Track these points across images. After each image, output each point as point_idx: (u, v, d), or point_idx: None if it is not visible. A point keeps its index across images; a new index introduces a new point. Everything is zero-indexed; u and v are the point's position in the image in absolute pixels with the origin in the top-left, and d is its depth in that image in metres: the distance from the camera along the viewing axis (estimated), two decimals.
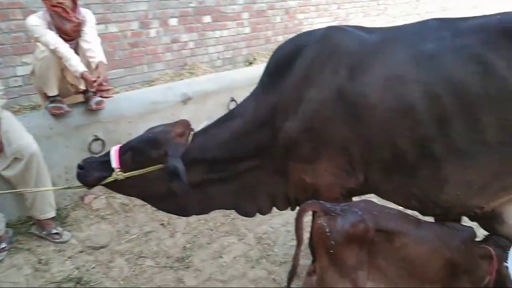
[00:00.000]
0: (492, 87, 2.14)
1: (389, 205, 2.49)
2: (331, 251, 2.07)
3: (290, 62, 2.58)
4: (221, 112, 3.27)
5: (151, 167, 2.69)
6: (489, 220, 2.45)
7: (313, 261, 2.80)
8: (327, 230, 2.09)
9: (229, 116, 2.81)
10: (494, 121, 2.13)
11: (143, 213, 4.20)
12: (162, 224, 4.05)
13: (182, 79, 6.09)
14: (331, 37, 2.53)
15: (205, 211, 3.05)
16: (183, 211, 3.03)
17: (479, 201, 2.33)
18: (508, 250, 2.27)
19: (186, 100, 5.08)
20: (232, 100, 5.44)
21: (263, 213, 3.03)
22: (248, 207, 2.97)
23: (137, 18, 5.93)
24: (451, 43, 2.28)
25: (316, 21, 8.69)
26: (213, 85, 5.52)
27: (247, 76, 5.72)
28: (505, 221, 2.38)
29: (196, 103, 5.17)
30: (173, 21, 6.37)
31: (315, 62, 2.50)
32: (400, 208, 2.56)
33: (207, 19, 6.82)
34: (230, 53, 7.29)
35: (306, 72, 2.51)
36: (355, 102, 2.36)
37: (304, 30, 8.09)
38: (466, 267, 2.23)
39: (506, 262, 2.08)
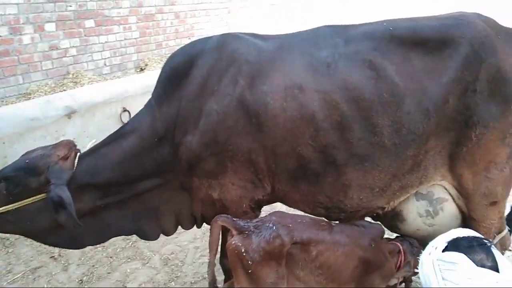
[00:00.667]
0: (384, 91, 2.21)
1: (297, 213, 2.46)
2: (249, 271, 2.03)
3: (185, 72, 2.40)
4: (112, 124, 2.97)
5: (30, 199, 2.30)
6: (390, 219, 2.56)
7: (226, 279, 2.67)
8: (242, 250, 2.03)
9: (122, 133, 2.53)
10: (389, 124, 2.21)
11: (28, 247, 3.66)
12: (53, 257, 3.57)
13: (64, 89, 5.49)
14: (227, 45, 2.41)
15: (102, 240, 2.72)
16: (77, 244, 2.67)
17: (380, 202, 2.41)
18: (416, 245, 2.41)
19: (70, 114, 4.57)
20: (125, 110, 5.06)
21: (167, 234, 2.81)
22: (150, 230, 2.72)
23: (5, 23, 5.19)
24: (344, 49, 2.32)
25: (207, 25, 8.58)
26: (101, 95, 5.07)
27: (140, 84, 5.38)
28: (405, 218, 2.50)
29: (82, 116, 4.69)
30: (50, 26, 5.72)
31: (213, 71, 2.36)
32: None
33: (89, 23, 6.27)
34: (118, 59, 6.81)
35: (204, 82, 2.36)
36: (257, 112, 2.27)
37: (195, 35, 7.95)
38: (376, 263, 2.30)
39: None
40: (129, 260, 3.56)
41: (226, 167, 2.38)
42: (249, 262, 2.02)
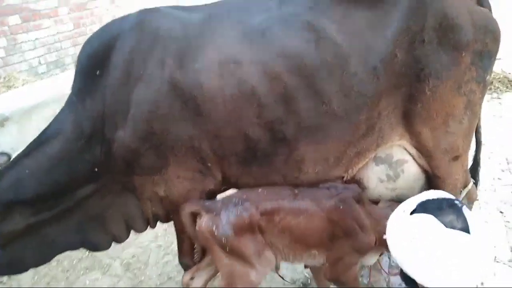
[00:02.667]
0: (327, 54, 2.00)
1: None
2: (227, 248, 2.05)
3: (104, 58, 2.10)
4: None
5: None
6: None
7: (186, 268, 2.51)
8: (214, 229, 2.05)
9: (43, 139, 2.23)
10: (336, 89, 2.02)
11: None
12: (1, 281, 3.24)
13: None
14: (148, 22, 2.13)
15: (47, 259, 2.45)
16: (17, 268, 2.39)
17: (338, 172, 2.24)
18: None
19: (3, 121, 4.15)
20: None
21: (119, 241, 2.57)
22: (98, 240, 2.47)
23: None
24: (278, 13, 2.08)
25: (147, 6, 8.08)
26: (37, 97, 4.65)
27: None
28: (366, 186, 2.35)
29: (17, 122, 4.28)
30: None
31: (135, 53, 2.08)
32: None
33: (15, 20, 5.72)
34: (54, 56, 6.32)
35: (127, 68, 2.08)
36: (192, 95, 2.03)
37: None
38: (344, 227, 2.12)
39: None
40: (87, 270, 3.30)
41: (168, 159, 2.14)
42: (224, 239, 2.03)
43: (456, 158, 2.32)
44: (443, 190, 2.34)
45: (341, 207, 2.09)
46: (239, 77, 1.99)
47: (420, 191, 2.39)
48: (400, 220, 1.65)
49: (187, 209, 2.15)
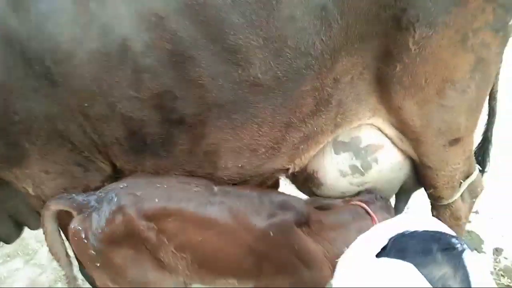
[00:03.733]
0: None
1: None
2: (97, 264, 1.49)
3: None
4: None
5: None
6: (302, 183, 1.72)
7: None
8: (83, 236, 1.47)
9: None
10: (259, 43, 1.27)
11: None
12: None
13: None
14: None
15: None
16: None
17: (277, 164, 1.55)
18: None
19: None
20: None
21: (9, 241, 2.01)
22: None
23: None
24: None
25: None
26: None
27: None
28: (322, 182, 1.66)
29: None
30: None
31: None
32: None
33: None
34: None
35: None
36: (37, 53, 1.31)
37: None
38: (278, 263, 1.48)
39: None
40: (8, 258, 2.78)
41: (24, 148, 1.48)
42: (93, 252, 1.46)
43: (455, 141, 1.58)
44: (436, 184, 1.69)
45: (271, 234, 1.42)
46: (102, 24, 1.25)
47: (401, 187, 1.72)
48: (357, 266, 0.94)
49: (53, 207, 1.53)
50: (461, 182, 1.77)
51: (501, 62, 1.55)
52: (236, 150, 1.45)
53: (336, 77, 1.37)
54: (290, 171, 1.61)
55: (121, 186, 1.50)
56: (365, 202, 1.59)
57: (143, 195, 1.46)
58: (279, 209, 1.49)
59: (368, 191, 1.66)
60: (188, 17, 1.23)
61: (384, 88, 1.45)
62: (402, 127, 1.55)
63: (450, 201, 1.79)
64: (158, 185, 1.47)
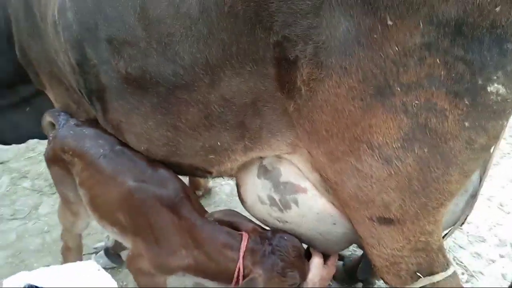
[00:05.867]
0: None
1: None
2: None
3: None
4: None
5: None
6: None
7: None
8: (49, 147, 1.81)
9: None
10: (129, 43, 1.24)
11: None
12: None
13: None
14: None
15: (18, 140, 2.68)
16: None
17: (188, 161, 1.50)
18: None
19: None
20: None
21: None
22: None
23: None
24: None
25: None
26: None
27: None
28: (244, 198, 1.52)
29: None
30: None
31: None
32: None
33: None
34: None
35: None
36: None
37: None
38: (138, 226, 1.55)
39: None
40: None
41: (41, 79, 1.90)
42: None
43: (386, 221, 1.20)
44: (374, 262, 1.39)
45: (135, 197, 1.50)
46: None
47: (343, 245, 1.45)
48: None
49: (47, 117, 1.87)
50: (418, 276, 1.34)
51: (491, 139, 1.05)
52: (134, 133, 1.49)
53: (224, 97, 1.22)
54: (214, 174, 1.55)
55: (74, 123, 1.76)
56: (255, 240, 1.45)
57: (72, 133, 1.70)
58: (156, 183, 1.52)
59: (282, 235, 1.45)
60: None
61: (292, 123, 1.21)
62: (323, 177, 1.27)
63: None
64: (86, 132, 1.68)
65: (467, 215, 1.38)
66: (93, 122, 1.74)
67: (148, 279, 1.57)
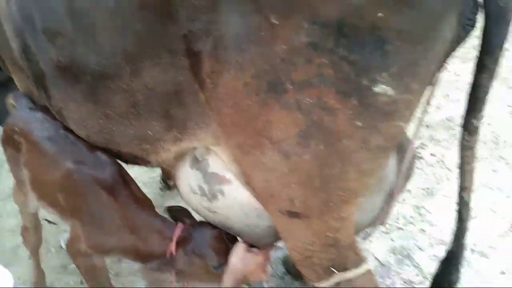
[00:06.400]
0: None
1: None
2: None
3: None
4: None
5: None
6: None
7: None
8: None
9: None
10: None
11: None
12: None
13: None
14: None
15: None
16: None
17: (127, 149, 1.55)
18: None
19: None
20: None
21: None
22: None
23: None
24: None
25: None
26: None
27: None
28: (180, 190, 1.57)
29: None
30: None
31: None
32: None
33: None
34: None
35: None
36: None
37: None
38: (75, 206, 1.62)
39: None
40: None
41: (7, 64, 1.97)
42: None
43: (294, 215, 1.24)
44: (291, 255, 1.42)
45: (74, 177, 1.56)
46: None
47: (272, 238, 1.49)
48: None
49: (10, 99, 1.93)
50: (333, 272, 1.37)
51: (388, 140, 1.08)
52: (73, 120, 1.55)
53: (147, 86, 1.27)
54: (154, 164, 1.60)
55: (28, 107, 1.81)
56: (187, 232, 1.54)
57: (24, 115, 1.76)
58: (94, 166, 1.58)
59: (208, 225, 1.52)
60: None
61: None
62: (240, 169, 1.31)
63: (317, 285, 1.43)
64: (36, 116, 1.73)
65: (387, 214, 1.40)
66: (46, 108, 1.80)
67: (86, 260, 1.64)
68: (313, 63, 0.96)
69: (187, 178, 1.51)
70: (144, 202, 1.64)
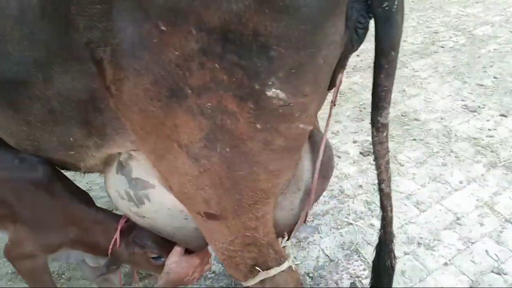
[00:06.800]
0: None
1: None
2: None
3: None
4: None
5: None
6: None
7: None
8: None
9: None
10: None
11: None
12: None
13: None
14: None
15: None
16: None
17: (61, 157, 1.53)
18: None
19: None
20: None
21: None
22: None
23: None
24: None
25: None
26: None
27: None
28: (109, 194, 1.57)
29: None
30: None
31: None
32: None
33: None
34: None
35: None
36: None
37: None
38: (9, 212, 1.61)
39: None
40: None
41: None
42: None
43: (211, 216, 1.26)
44: (218, 257, 1.43)
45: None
46: None
47: (202, 240, 1.50)
48: None
49: None
50: (257, 269, 1.40)
51: (290, 140, 1.11)
52: (1, 128, 1.53)
53: (61, 93, 1.27)
54: (84, 170, 1.59)
55: None
56: (128, 227, 1.63)
57: None
58: (27, 169, 1.57)
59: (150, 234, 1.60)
60: None
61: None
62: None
63: (245, 285, 1.46)
64: None
65: (307, 212, 1.44)
66: None
67: (30, 262, 1.66)
68: (207, 68, 0.98)
69: (115, 184, 1.51)
70: (82, 196, 1.69)
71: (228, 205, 1.21)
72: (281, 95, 1.00)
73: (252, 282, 1.43)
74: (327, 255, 2.52)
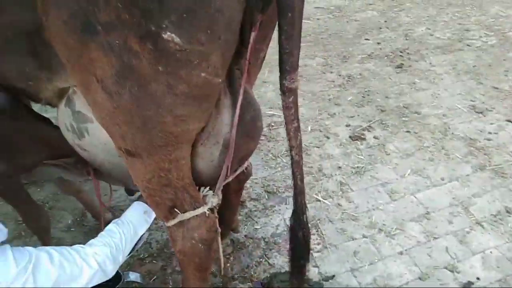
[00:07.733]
0: None
1: None
2: None
3: None
4: None
5: None
6: None
7: None
8: None
9: None
10: None
11: None
12: None
13: None
14: None
15: None
16: None
17: (23, 86, 1.65)
18: None
19: None
20: None
21: None
22: None
23: None
24: None
25: None
26: None
27: None
28: (60, 126, 1.71)
29: None
30: None
31: None
32: None
33: None
34: None
35: None
36: None
37: None
38: None
39: None
40: None
41: None
42: None
43: (129, 153, 1.36)
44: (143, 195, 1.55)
45: None
46: None
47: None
48: None
49: None
50: (175, 211, 1.50)
51: (192, 87, 1.18)
52: None
53: (13, 24, 1.35)
54: (44, 102, 1.72)
55: None
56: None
57: None
58: None
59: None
60: None
61: None
62: None
63: (167, 224, 1.56)
64: None
65: (228, 166, 1.50)
66: None
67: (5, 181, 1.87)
68: (111, 5, 1.06)
69: (63, 116, 1.63)
70: (44, 119, 1.86)
71: (141, 143, 1.30)
72: (176, 39, 1.06)
73: (172, 222, 1.53)
74: (287, 225, 2.58)
